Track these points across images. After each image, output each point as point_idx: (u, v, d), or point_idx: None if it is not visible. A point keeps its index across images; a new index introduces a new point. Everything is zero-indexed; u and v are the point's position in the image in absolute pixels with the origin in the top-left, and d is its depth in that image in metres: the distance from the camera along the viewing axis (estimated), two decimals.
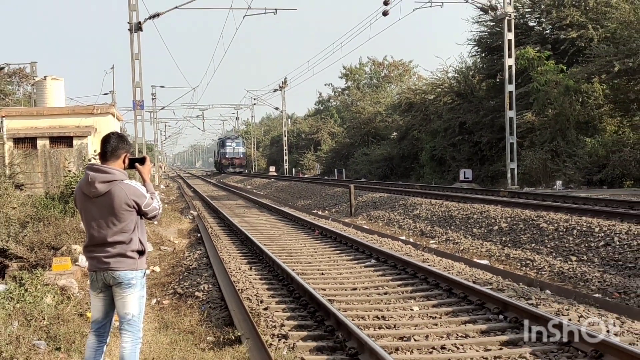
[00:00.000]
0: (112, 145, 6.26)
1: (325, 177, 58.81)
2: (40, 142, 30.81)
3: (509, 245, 17.23)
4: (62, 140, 31.09)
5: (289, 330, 9.41)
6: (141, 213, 6.24)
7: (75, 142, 30.90)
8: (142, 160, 6.46)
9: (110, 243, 6.19)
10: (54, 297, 10.72)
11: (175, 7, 35.02)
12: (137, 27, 33.70)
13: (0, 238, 15.06)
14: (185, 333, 9.73)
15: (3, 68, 47.10)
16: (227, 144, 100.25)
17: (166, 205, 32.20)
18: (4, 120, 30.68)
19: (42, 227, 17.02)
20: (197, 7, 36.15)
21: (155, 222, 20.20)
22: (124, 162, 6.28)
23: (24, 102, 41.19)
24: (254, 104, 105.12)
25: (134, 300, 6.31)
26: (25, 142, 30.76)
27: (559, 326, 8.69)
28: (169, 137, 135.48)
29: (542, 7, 38.83)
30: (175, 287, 13.48)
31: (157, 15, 35.18)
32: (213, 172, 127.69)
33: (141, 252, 6.30)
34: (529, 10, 39.53)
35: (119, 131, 11.66)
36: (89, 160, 18.74)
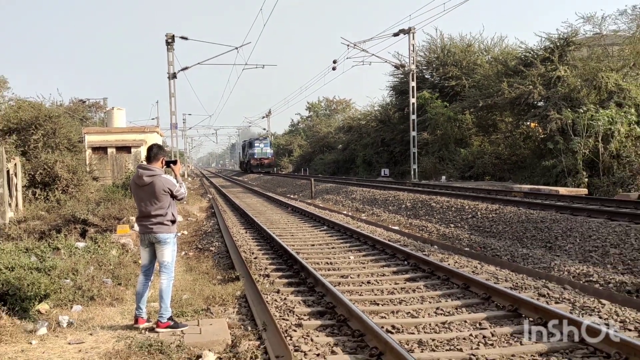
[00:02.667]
0: (153, 152, 6.42)
1: (296, 173, 58.72)
2: (109, 150, 30.52)
3: (412, 217, 17.34)
4: (124, 149, 30.88)
5: (270, 272, 9.39)
6: (173, 196, 6.32)
7: (132, 150, 30.64)
8: (174, 162, 6.56)
9: (153, 215, 6.26)
10: (117, 250, 10.63)
11: (198, 63, 34.74)
12: (173, 76, 33.37)
13: (83, 212, 14.90)
14: (203, 274, 9.68)
15: (85, 102, 46.61)
16: (256, 144, 66.05)
17: (191, 191, 31.96)
18: (86, 136, 30.32)
19: (110, 205, 16.85)
20: (212, 63, 35.75)
21: (184, 202, 20.09)
22: (162, 163, 6.38)
23: (98, 124, 40.70)
24: (249, 126, 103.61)
25: (168, 253, 6.35)
26: (99, 150, 30.46)
27: (443, 268, 8.80)
28: (193, 147, 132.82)
29: (433, 66, 39.08)
30: (197, 244, 13.40)
31: (186, 68, 34.87)
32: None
33: (173, 222, 6.37)
34: (425, 67, 39.71)
35: (159, 143, 11.65)
36: (140, 161, 18.60)
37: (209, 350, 5.58)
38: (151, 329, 6.29)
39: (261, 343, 5.84)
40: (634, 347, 4.95)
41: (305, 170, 58.55)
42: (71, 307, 7.17)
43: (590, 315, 6.39)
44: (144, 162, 6.53)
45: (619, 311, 6.49)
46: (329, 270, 9.59)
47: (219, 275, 9.47)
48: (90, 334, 6.25)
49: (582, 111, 22.01)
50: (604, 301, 6.97)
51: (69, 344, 5.95)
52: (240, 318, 6.85)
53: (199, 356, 5.42)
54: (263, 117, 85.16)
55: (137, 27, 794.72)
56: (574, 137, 21.75)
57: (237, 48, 33.09)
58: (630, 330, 5.82)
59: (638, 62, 24.64)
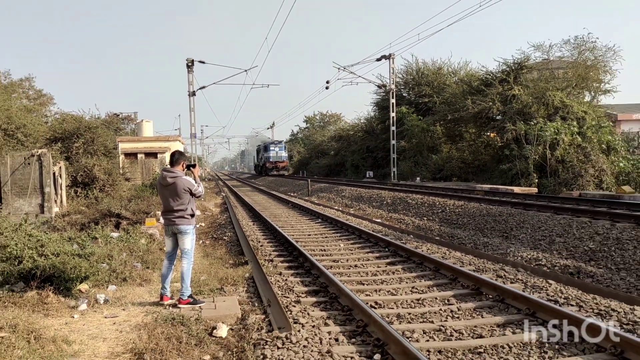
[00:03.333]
0: (175, 157, 6.42)
1: (295, 175, 58.51)
2: (139, 156, 30.31)
3: (392, 211, 17.35)
4: (152, 154, 30.66)
5: (274, 257, 9.37)
6: (192, 194, 6.30)
7: (159, 155, 30.43)
8: (194, 166, 6.54)
9: (175, 210, 6.25)
10: (146, 239, 10.57)
11: (214, 83, 34.61)
12: (192, 94, 33.23)
13: (117, 207, 14.83)
14: (217, 259, 9.65)
15: (119, 115, 46.39)
16: (271, 148, 57.92)
17: (208, 190, 31.85)
18: (119, 144, 30.17)
19: (139, 201, 16.77)
20: (225, 83, 35.73)
21: (202, 199, 20.04)
22: (182, 166, 6.37)
23: (130, 134, 40.54)
24: (256, 135, 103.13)
25: (188, 241, 6.34)
26: (131, 155, 30.24)
27: (417, 254, 8.81)
28: (210, 153, 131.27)
29: (410, 85, 39.10)
30: (213, 234, 13.36)
31: (203, 87, 34.73)
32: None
33: (192, 215, 6.35)
34: (402, 87, 39.65)
35: (181, 150, 11.59)
36: (165, 165, 18.57)
37: (222, 322, 5.58)
38: (174, 305, 6.28)
39: (266, 316, 5.84)
40: (574, 318, 4.97)
41: (303, 172, 58.29)
42: (107, 287, 7.15)
43: (539, 292, 6.41)
44: (168, 166, 6.53)
45: (563, 290, 6.52)
46: (322, 256, 9.58)
47: (231, 260, 9.45)
48: (123, 309, 6.24)
49: (533, 123, 22.07)
50: (550, 281, 6.99)
51: (105, 317, 5.94)
52: (248, 296, 6.85)
53: (214, 327, 5.42)
54: (268, 128, 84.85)
55: (164, 53, 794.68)
56: (526, 145, 21.81)
57: (246, 70, 33.04)
58: (572, 305, 5.84)
59: (579, 83, 24.73)
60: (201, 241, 12.13)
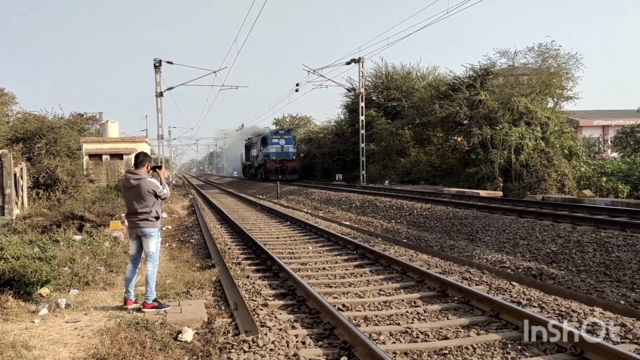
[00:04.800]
0: (140, 159, 6.33)
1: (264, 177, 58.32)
2: (104, 157, 29.70)
3: (361, 214, 17.43)
4: (117, 156, 30.08)
5: (242, 260, 9.30)
6: (157, 196, 6.21)
7: (124, 157, 29.86)
8: (160, 167, 6.46)
9: (139, 212, 6.16)
10: (110, 242, 10.36)
11: (182, 84, 34.14)
12: (160, 95, 32.68)
13: (80, 209, 14.49)
14: (184, 262, 9.52)
15: (83, 115, 45.37)
16: (274, 141, 39.78)
17: (175, 192, 31.44)
18: (83, 144, 29.54)
19: (104, 204, 16.43)
20: (193, 84, 35.42)
21: (168, 201, 19.79)
22: (147, 168, 6.28)
23: (95, 135, 39.71)
24: (225, 137, 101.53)
25: (153, 244, 6.25)
26: (95, 157, 29.61)
27: (385, 256, 8.87)
28: (177, 154, 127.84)
29: (379, 89, 39.37)
30: (180, 237, 13.18)
31: (171, 88, 34.16)
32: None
33: (157, 218, 6.26)
34: (372, 90, 39.83)
35: (147, 151, 11.42)
36: (131, 166, 18.29)
37: (188, 326, 5.51)
38: (138, 310, 6.17)
39: (233, 320, 5.79)
40: (537, 319, 5.09)
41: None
42: (69, 291, 6.98)
43: (503, 294, 6.54)
44: (132, 168, 6.43)
45: (526, 291, 6.66)
46: (291, 259, 9.56)
47: (198, 263, 9.34)
48: (85, 314, 6.10)
49: (499, 128, 22.50)
50: (514, 283, 7.14)
51: (67, 322, 5.79)
52: (215, 299, 6.78)
53: (180, 332, 5.34)
54: (237, 130, 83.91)
55: (132, 52, 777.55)
56: (492, 149, 22.22)
57: (215, 72, 32.60)
58: (534, 306, 5.97)
59: (542, 89, 25.35)
60: (167, 244, 11.96)
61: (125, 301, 6.33)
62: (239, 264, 8.99)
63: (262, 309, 6.16)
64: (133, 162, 6.51)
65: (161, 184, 6.30)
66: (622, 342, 4.72)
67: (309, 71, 32.81)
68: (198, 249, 10.98)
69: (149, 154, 7.35)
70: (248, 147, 48.71)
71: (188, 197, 28.57)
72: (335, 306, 5.99)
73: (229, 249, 10.52)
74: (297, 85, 34.71)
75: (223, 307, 6.34)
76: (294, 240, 11.93)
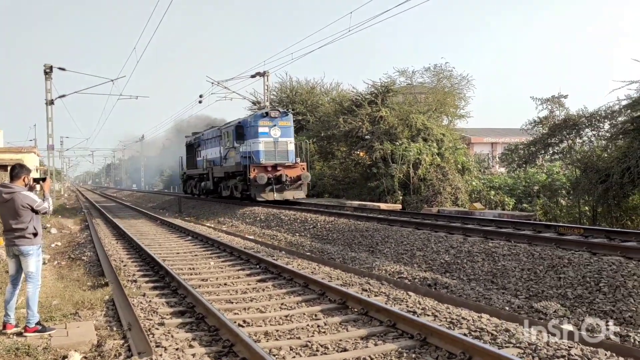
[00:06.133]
0: (15, 171, 5.89)
1: (166, 190, 56.42)
2: None
3: (265, 227, 17.33)
4: (2, 167, 27.80)
5: (138, 277, 8.89)
6: (34, 211, 5.76)
7: (9, 169, 27.71)
8: (44, 179, 6.02)
9: (14, 229, 5.72)
10: None
11: (76, 92, 32.26)
12: (51, 102, 30.61)
13: None
14: (74, 281, 8.91)
15: None
16: (261, 130, 20.22)
17: (67, 206, 29.51)
18: None
19: None
20: (89, 92, 33.60)
21: (48, 216, 18.53)
22: (23, 180, 5.84)
23: None
24: (124, 148, 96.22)
25: (32, 263, 5.80)
26: None
27: (288, 270, 8.86)
28: (71, 166, 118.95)
29: (284, 103, 39.57)
30: (70, 254, 12.35)
31: (63, 95, 32.18)
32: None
33: (35, 234, 5.82)
34: (277, 104, 39.82)
35: (36, 163, 10.64)
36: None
37: (75, 350, 5.15)
38: (19, 334, 5.67)
39: (125, 341, 5.49)
40: (432, 329, 5.30)
41: (174, 188, 56.12)
42: None
43: (400, 304, 6.76)
44: (7, 181, 5.97)
45: (421, 301, 6.93)
46: (191, 274, 9.29)
47: (89, 282, 8.79)
48: None
49: (399, 144, 23.49)
50: (410, 293, 7.41)
51: None
52: (107, 320, 6.39)
53: (65, 356, 4.98)
54: (137, 141, 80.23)
55: (16, 55, 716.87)
56: (392, 164, 23.12)
57: (112, 80, 31.14)
58: (428, 315, 6.23)
59: (438, 107, 26.85)
60: (56, 262, 11.17)
61: (5, 325, 5.80)
62: (135, 281, 8.57)
63: (158, 328, 5.90)
64: (8, 174, 6.01)
65: (44, 197, 5.86)
66: (506, 347, 5.04)
67: (212, 82, 32.29)
68: (90, 267, 10.35)
69: (37, 165, 6.83)
70: (193, 148, 30.13)
71: (82, 211, 26.94)
72: (235, 322, 5.89)
73: (124, 265, 10.01)
74: (200, 96, 34.02)
75: (115, 328, 6.00)
76: (195, 255, 11.61)
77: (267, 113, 21.24)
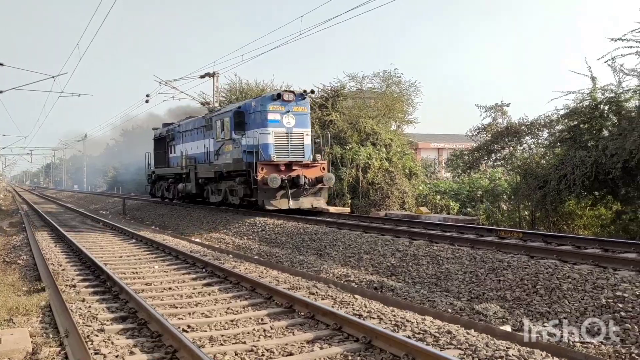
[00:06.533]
0: None
1: (109, 192, 54.67)
2: None
3: (212, 230, 17.08)
4: None
5: (77, 282, 8.57)
6: None
7: None
8: None
9: None
10: None
11: (13, 88, 30.99)
12: None
13: None
14: (8, 286, 8.46)
15: None
16: (270, 117, 15.84)
17: (2, 207, 28.12)
18: None
19: None
20: (28, 89, 32.13)
21: None
22: None
23: None
24: (65, 148, 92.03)
25: None
26: None
27: (235, 274, 8.77)
28: (8, 165, 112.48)
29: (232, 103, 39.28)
30: (5, 257, 11.77)
31: (0, 92, 30.73)
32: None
33: None
34: (227, 105, 39.64)
35: None
36: None
37: (9, 358, 4.91)
38: None
39: (62, 349, 5.28)
40: (376, 332, 5.38)
41: (119, 189, 54.42)
42: None
43: (347, 308, 6.82)
44: None
45: (367, 304, 7.01)
46: (134, 279, 9.04)
47: (25, 287, 8.40)
48: None
49: (348, 148, 23.72)
50: (357, 296, 7.48)
51: None
52: (43, 327, 6.12)
53: None
54: (79, 140, 77.24)
55: None
56: (342, 167, 23.31)
57: (53, 77, 29.95)
58: (374, 318, 6.31)
59: (387, 113, 27.29)
60: None
61: None
62: (74, 286, 8.27)
63: (97, 335, 5.70)
64: None
65: None
66: (448, 348, 5.17)
67: (160, 82, 31.63)
68: (27, 271, 9.91)
69: None
70: (164, 142, 25.26)
71: (19, 213, 25.75)
72: (179, 327, 5.77)
73: (63, 270, 9.62)
74: (147, 96, 33.23)
75: (52, 335, 5.76)
76: (139, 259, 11.32)
77: (279, 95, 16.71)
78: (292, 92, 16.98)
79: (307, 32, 28.22)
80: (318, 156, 17.32)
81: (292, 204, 16.25)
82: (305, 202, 16.74)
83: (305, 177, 16.27)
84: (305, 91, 17.21)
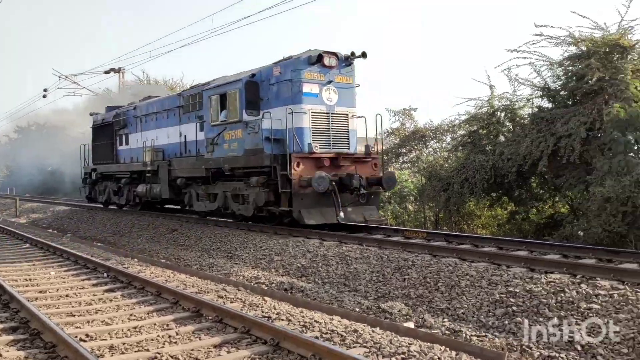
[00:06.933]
0: None
1: (1, 193, 50.53)
2: None
3: (117, 234, 16.34)
4: None
5: None
6: None
7: None
8: None
9: None
10: None
11: None
12: None
13: None
14: None
15: None
16: (306, 86, 10.91)
17: None
18: None
19: None
20: None
21: None
22: None
23: None
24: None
25: None
26: None
27: (139, 279, 8.44)
28: None
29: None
30: None
31: None
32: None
33: None
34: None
35: None
36: None
37: None
38: None
39: None
40: (284, 333, 5.40)
41: (12, 189, 50.35)
42: None
43: (256, 310, 6.79)
44: None
45: (277, 306, 7.02)
46: (27, 286, 8.44)
47: None
48: None
49: None
50: (267, 298, 7.47)
51: None
52: None
53: None
54: None
55: None
56: None
57: None
58: (282, 320, 6.33)
59: None
60: None
61: None
62: None
63: None
64: None
65: None
66: (354, 347, 5.29)
67: (60, 76, 29.85)
68: None
69: None
70: (110, 131, 19.84)
71: None
72: (76, 337, 5.46)
73: None
74: (45, 90, 31.26)
75: None
76: (34, 264, 10.59)
77: (319, 57, 11.61)
78: (335, 54, 12.02)
79: (219, 31, 27.83)
80: (373, 148, 12.78)
81: (341, 217, 11.48)
82: (356, 213, 12.03)
83: (360, 177, 11.73)
84: (353, 54, 12.04)
